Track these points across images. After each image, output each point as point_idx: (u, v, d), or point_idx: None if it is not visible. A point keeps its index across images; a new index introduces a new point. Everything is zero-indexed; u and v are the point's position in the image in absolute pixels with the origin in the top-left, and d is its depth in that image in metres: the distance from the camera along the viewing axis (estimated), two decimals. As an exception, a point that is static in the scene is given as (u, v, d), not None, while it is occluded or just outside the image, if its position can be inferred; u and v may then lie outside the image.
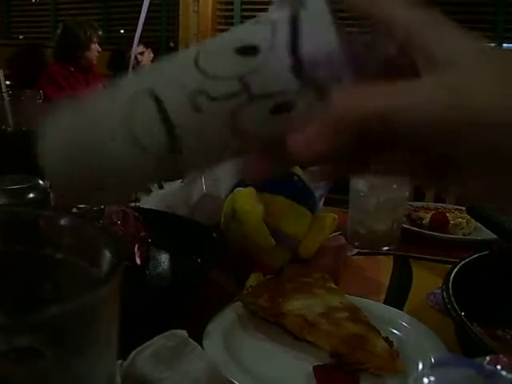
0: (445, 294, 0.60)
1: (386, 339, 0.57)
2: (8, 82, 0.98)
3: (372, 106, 0.26)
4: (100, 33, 3.44)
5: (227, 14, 4.15)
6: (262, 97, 0.28)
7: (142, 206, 0.88)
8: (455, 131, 0.25)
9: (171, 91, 0.30)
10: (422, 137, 0.26)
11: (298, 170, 0.78)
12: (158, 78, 0.31)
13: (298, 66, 0.27)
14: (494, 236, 0.80)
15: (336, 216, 0.80)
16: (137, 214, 0.71)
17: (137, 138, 0.30)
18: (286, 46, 0.28)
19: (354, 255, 0.88)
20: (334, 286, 0.68)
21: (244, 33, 0.30)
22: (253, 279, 0.71)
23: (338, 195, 0.98)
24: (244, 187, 0.77)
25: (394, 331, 0.62)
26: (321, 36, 0.27)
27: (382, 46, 0.28)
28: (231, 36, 0.31)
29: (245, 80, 0.28)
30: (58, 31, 3.40)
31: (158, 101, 0.29)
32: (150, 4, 1.66)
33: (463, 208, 1.00)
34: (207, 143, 0.30)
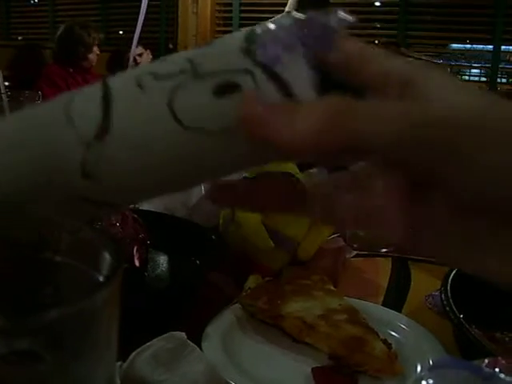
0: (443, 296, 0.60)
1: (385, 341, 0.57)
2: (7, 83, 0.98)
3: (348, 129, 0.25)
4: (101, 35, 3.45)
5: (226, 15, 4.15)
6: (206, 75, 0.27)
7: (140, 208, 0.88)
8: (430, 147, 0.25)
9: (121, 77, 0.29)
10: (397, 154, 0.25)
11: (295, 171, 0.78)
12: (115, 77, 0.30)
13: (249, 45, 0.27)
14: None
15: (335, 218, 0.80)
16: (135, 215, 0.71)
17: (70, 114, 0.28)
18: (240, 33, 0.27)
19: (352, 257, 0.88)
20: (332, 288, 0.68)
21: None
22: (251, 281, 0.71)
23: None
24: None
25: (393, 333, 0.62)
26: (277, 20, 0.27)
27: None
28: None
29: (194, 61, 0.27)
30: (60, 31, 3.38)
31: (105, 83, 0.28)
32: (150, 5, 1.65)
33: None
34: (144, 129, 0.27)
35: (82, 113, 0.28)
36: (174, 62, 0.28)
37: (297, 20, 0.27)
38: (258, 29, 0.27)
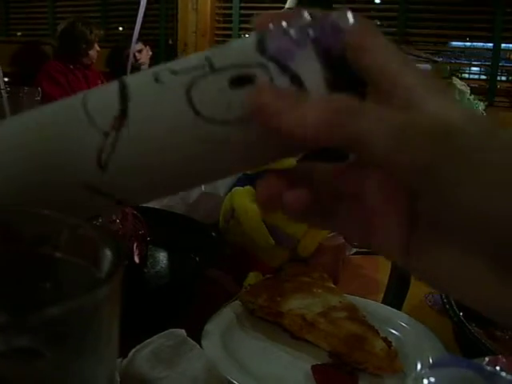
0: (443, 295, 0.60)
1: (385, 339, 0.57)
2: (6, 79, 0.97)
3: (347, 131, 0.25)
4: (102, 32, 3.44)
5: (226, 11, 4.14)
6: (223, 69, 0.28)
7: (140, 204, 0.88)
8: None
9: (136, 74, 0.31)
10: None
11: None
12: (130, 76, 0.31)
13: (262, 42, 0.28)
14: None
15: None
16: (135, 212, 0.71)
17: (87, 106, 0.29)
18: (254, 34, 0.29)
19: (352, 254, 0.88)
20: (332, 285, 0.68)
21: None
22: (251, 278, 0.70)
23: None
24: (243, 185, 0.77)
25: (393, 331, 0.62)
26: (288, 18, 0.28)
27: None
28: None
29: (211, 58, 0.28)
30: (62, 27, 3.36)
31: (121, 81, 0.29)
32: (149, 2, 1.65)
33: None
34: (159, 120, 0.28)
35: (99, 104, 0.29)
36: (190, 59, 0.29)
37: (308, 18, 0.28)
38: (271, 25, 0.28)
